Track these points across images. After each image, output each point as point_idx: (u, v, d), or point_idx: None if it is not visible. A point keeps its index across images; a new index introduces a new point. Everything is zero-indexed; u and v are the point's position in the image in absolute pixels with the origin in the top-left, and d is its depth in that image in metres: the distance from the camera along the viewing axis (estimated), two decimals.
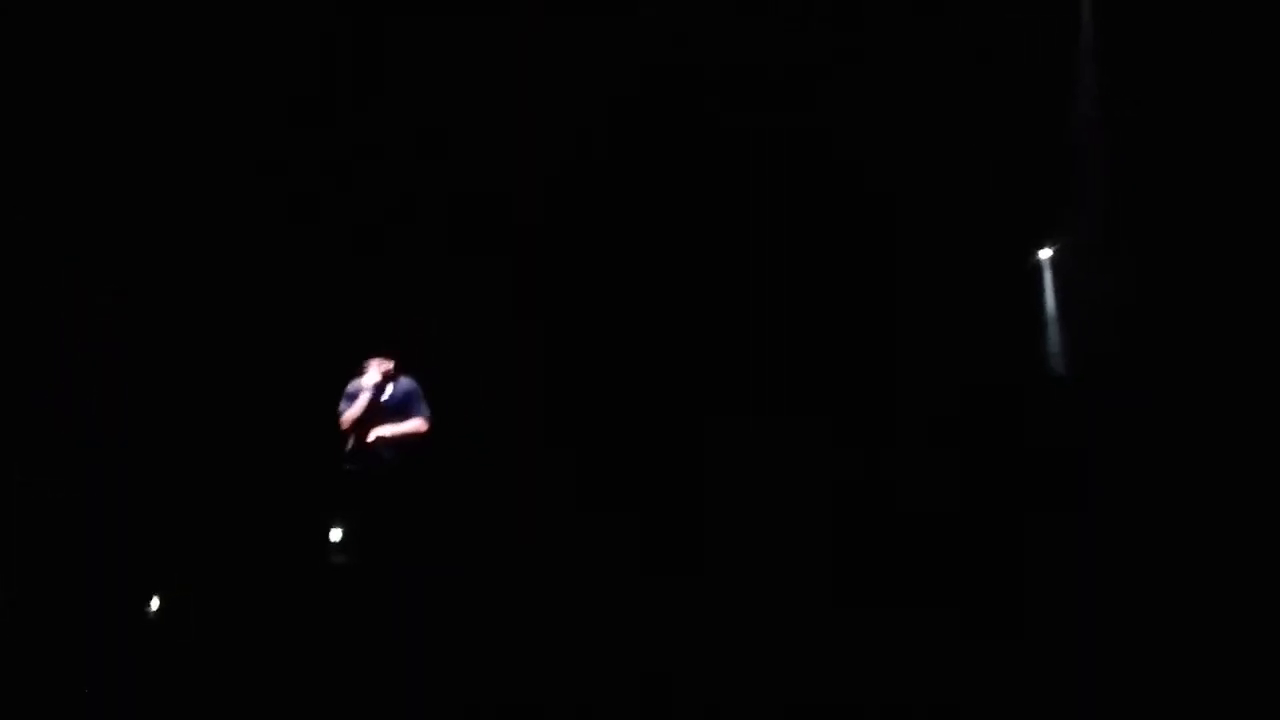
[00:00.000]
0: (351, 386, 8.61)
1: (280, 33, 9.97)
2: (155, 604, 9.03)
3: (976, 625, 7.69)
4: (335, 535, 9.21)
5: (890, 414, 10.15)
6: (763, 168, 10.47)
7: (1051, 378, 10.28)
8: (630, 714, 6.83)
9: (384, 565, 8.39)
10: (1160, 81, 10.02)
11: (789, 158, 10.45)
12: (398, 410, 8.63)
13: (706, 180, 10.51)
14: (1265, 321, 9.33)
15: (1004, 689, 6.76)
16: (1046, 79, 10.38)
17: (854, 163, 10.43)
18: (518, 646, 7.80)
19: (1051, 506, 8.93)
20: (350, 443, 8.57)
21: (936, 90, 10.40)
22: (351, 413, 8.50)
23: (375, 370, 8.61)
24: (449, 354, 9.75)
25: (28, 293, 9.72)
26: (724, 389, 10.12)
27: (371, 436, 8.53)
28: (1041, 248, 10.59)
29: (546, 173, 10.40)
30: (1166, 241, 9.84)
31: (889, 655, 7.39)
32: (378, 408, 8.55)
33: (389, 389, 8.63)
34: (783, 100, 10.45)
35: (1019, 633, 7.53)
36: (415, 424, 8.62)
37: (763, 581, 8.62)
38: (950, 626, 7.64)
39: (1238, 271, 9.58)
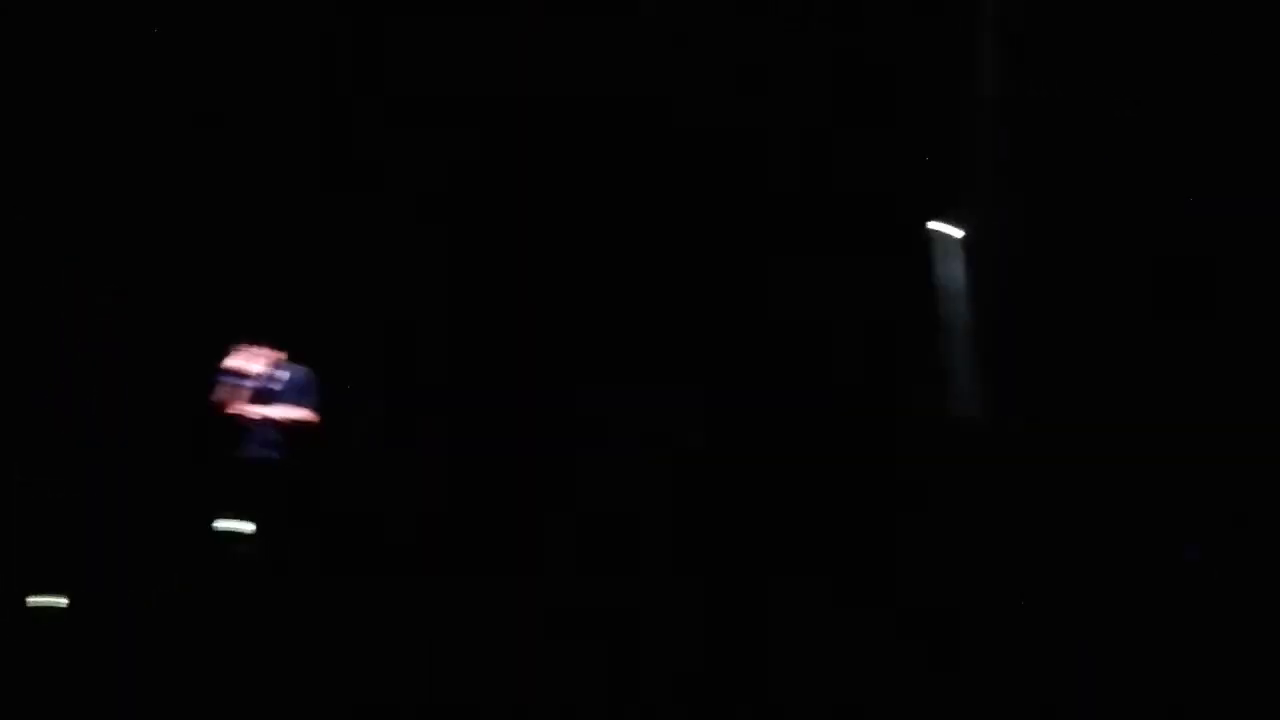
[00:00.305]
0: (228, 371, 8.49)
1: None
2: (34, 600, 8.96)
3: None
4: (233, 525, 9.05)
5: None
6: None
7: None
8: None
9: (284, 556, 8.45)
10: (1060, 59, 10.19)
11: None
12: (288, 399, 8.60)
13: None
14: (1161, 294, 9.58)
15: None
16: (945, 55, 10.48)
17: (742, 137, 10.47)
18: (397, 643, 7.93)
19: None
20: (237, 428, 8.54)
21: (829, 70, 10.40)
22: (233, 397, 8.45)
23: (258, 358, 8.55)
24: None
25: None
26: (607, 368, 10.15)
27: (258, 414, 8.44)
28: (939, 221, 10.71)
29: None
30: (1062, 215, 10.04)
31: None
32: (267, 394, 8.52)
33: (280, 375, 8.57)
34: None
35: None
36: (303, 410, 8.56)
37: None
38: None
39: (1137, 247, 9.78)
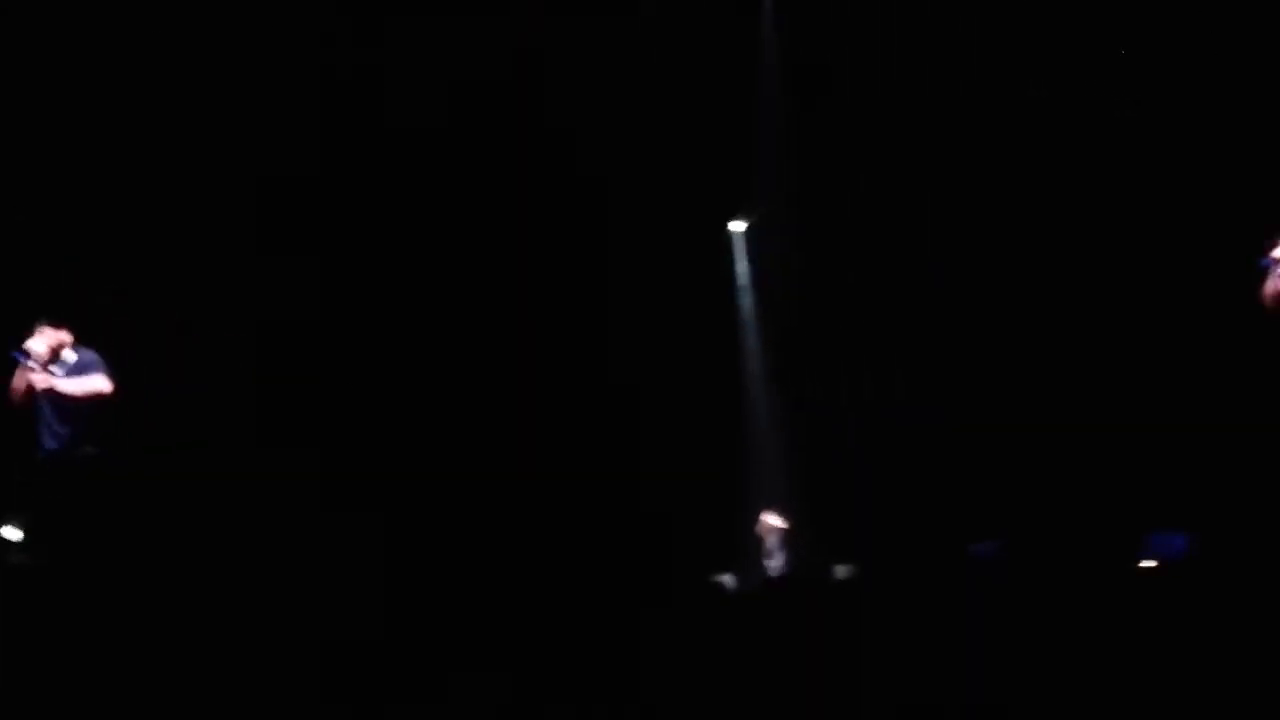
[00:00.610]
0: (17, 354, 7.92)
1: None
2: None
3: None
4: (10, 533, 8.48)
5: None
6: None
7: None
8: None
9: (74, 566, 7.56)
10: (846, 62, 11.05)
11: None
12: (81, 382, 7.99)
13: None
14: (947, 294, 10.60)
15: None
16: (733, 60, 11.19)
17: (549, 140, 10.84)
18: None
19: None
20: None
21: (627, 73, 10.91)
22: (16, 386, 7.88)
23: (45, 339, 7.95)
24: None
25: None
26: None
27: (43, 385, 7.85)
28: (734, 221, 11.57)
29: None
30: (848, 216, 11.00)
31: None
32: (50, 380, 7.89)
33: (66, 357, 8.02)
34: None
35: None
36: (98, 381, 8.01)
37: None
38: None
39: (922, 246, 10.80)
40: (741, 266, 11.43)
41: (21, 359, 7.84)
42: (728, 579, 9.45)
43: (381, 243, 10.48)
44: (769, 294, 11.39)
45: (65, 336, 7.99)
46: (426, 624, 6.28)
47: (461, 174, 10.71)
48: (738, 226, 11.63)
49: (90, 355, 8.06)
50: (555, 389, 10.50)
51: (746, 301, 11.34)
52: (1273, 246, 7.46)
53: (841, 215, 11.10)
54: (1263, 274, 7.46)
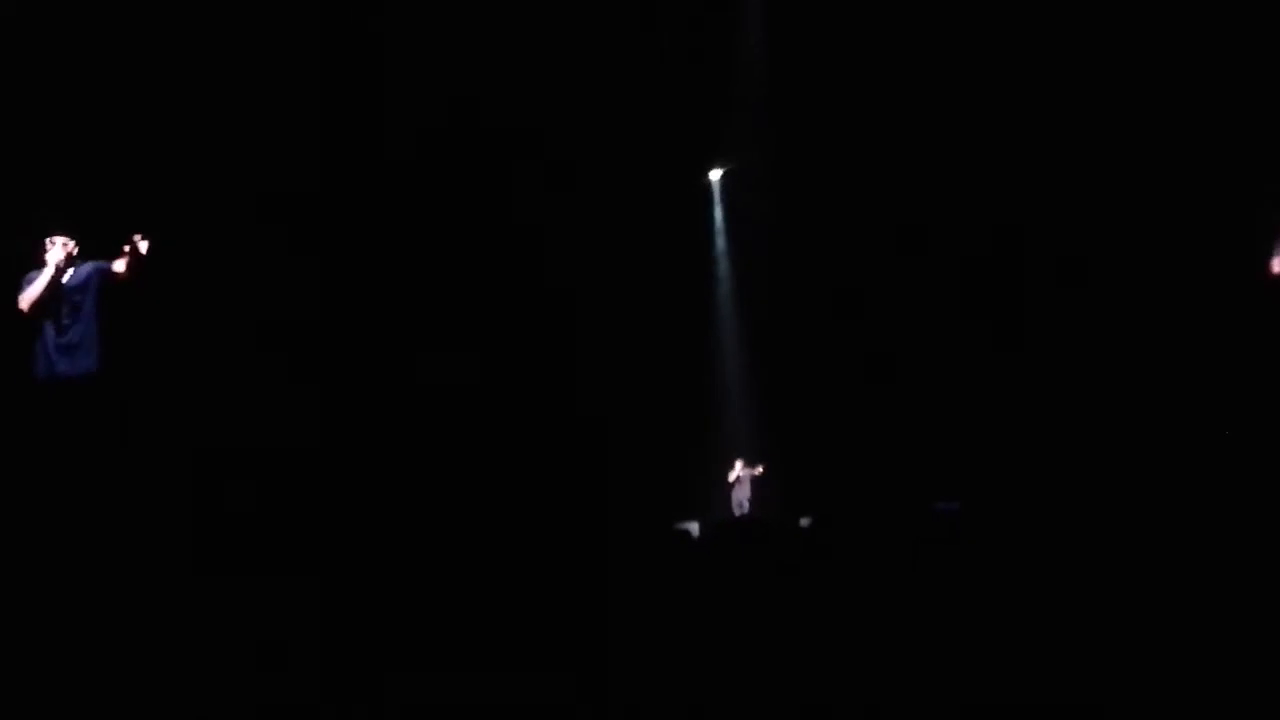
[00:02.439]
0: (31, 275, 7.72)
1: None
2: None
3: None
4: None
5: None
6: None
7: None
8: None
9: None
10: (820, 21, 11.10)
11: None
12: (88, 295, 7.87)
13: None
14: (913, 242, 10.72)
15: None
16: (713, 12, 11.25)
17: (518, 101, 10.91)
18: None
19: None
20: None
21: (606, 30, 10.92)
22: (30, 293, 7.71)
23: (60, 249, 7.84)
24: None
25: None
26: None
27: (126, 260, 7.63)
28: (711, 170, 11.67)
29: None
30: (822, 167, 11.10)
31: None
32: (58, 292, 7.79)
33: (70, 272, 7.85)
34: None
35: None
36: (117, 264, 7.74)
37: None
38: None
39: (888, 199, 10.91)
40: (718, 213, 11.49)
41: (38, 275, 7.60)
42: (693, 526, 9.63)
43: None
44: (743, 241, 11.48)
45: (72, 246, 7.76)
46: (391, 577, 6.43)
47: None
48: (715, 175, 11.70)
49: (89, 268, 7.78)
50: (528, 337, 10.61)
51: (721, 247, 11.43)
52: None
53: (816, 166, 11.19)
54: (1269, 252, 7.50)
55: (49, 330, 7.93)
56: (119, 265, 7.80)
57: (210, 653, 5.95)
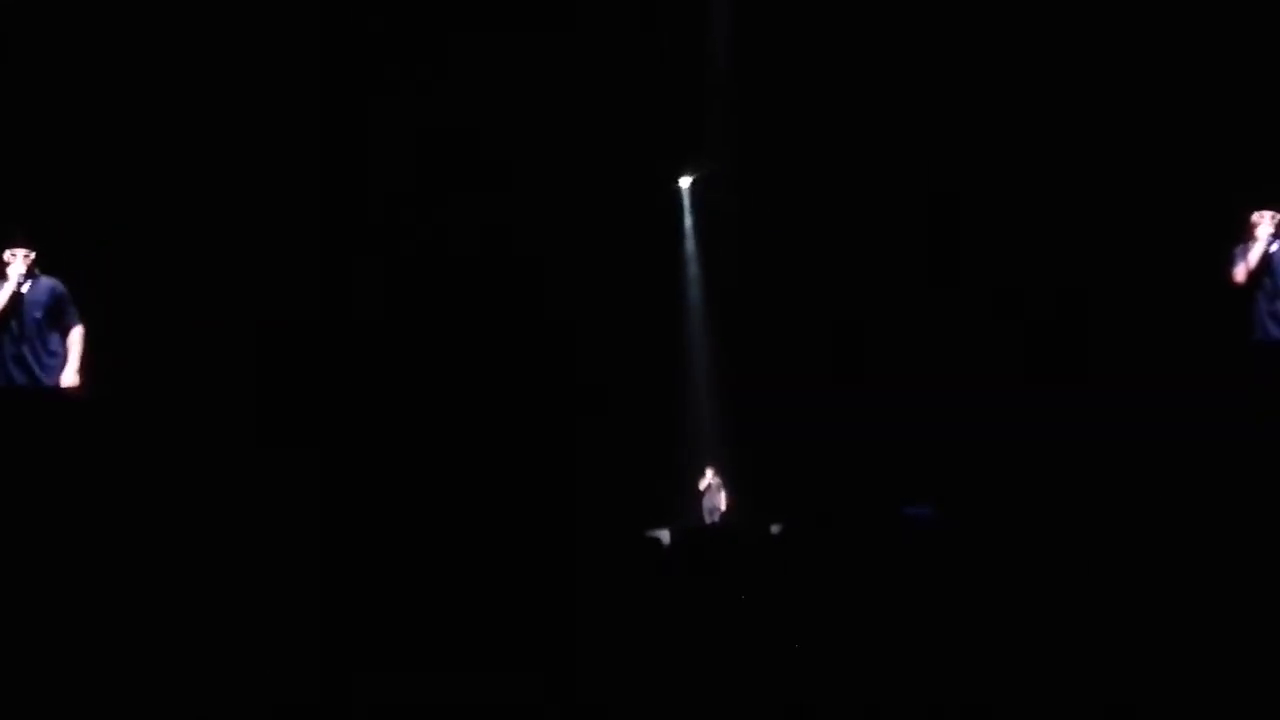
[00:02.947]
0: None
1: None
2: None
3: None
4: None
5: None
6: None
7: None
8: None
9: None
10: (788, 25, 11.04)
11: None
12: (46, 311, 7.79)
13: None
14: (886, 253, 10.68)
15: None
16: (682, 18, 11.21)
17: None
18: None
19: None
20: None
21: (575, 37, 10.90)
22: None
23: (20, 261, 7.71)
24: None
25: None
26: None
27: (67, 382, 7.62)
28: (681, 176, 11.61)
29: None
30: (792, 171, 11.04)
31: None
32: (18, 304, 7.70)
33: (28, 285, 7.72)
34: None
35: None
36: (77, 338, 7.80)
37: None
38: None
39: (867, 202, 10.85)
40: (688, 220, 11.43)
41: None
42: (663, 534, 9.54)
43: None
44: (713, 247, 11.42)
45: (31, 257, 7.67)
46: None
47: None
48: (685, 182, 11.64)
49: (57, 286, 7.75)
50: (496, 342, 10.53)
51: (691, 253, 11.37)
52: (1253, 227, 7.45)
53: (786, 171, 11.15)
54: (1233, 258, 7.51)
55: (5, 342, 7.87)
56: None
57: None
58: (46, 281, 7.79)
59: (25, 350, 7.78)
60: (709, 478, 10.65)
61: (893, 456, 9.51)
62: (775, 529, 8.26)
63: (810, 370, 10.78)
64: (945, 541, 6.93)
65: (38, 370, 7.80)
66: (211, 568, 6.70)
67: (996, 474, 8.58)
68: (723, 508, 10.48)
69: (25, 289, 7.65)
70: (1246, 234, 7.70)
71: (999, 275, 9.98)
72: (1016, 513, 6.87)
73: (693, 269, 11.21)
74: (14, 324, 7.67)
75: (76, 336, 7.77)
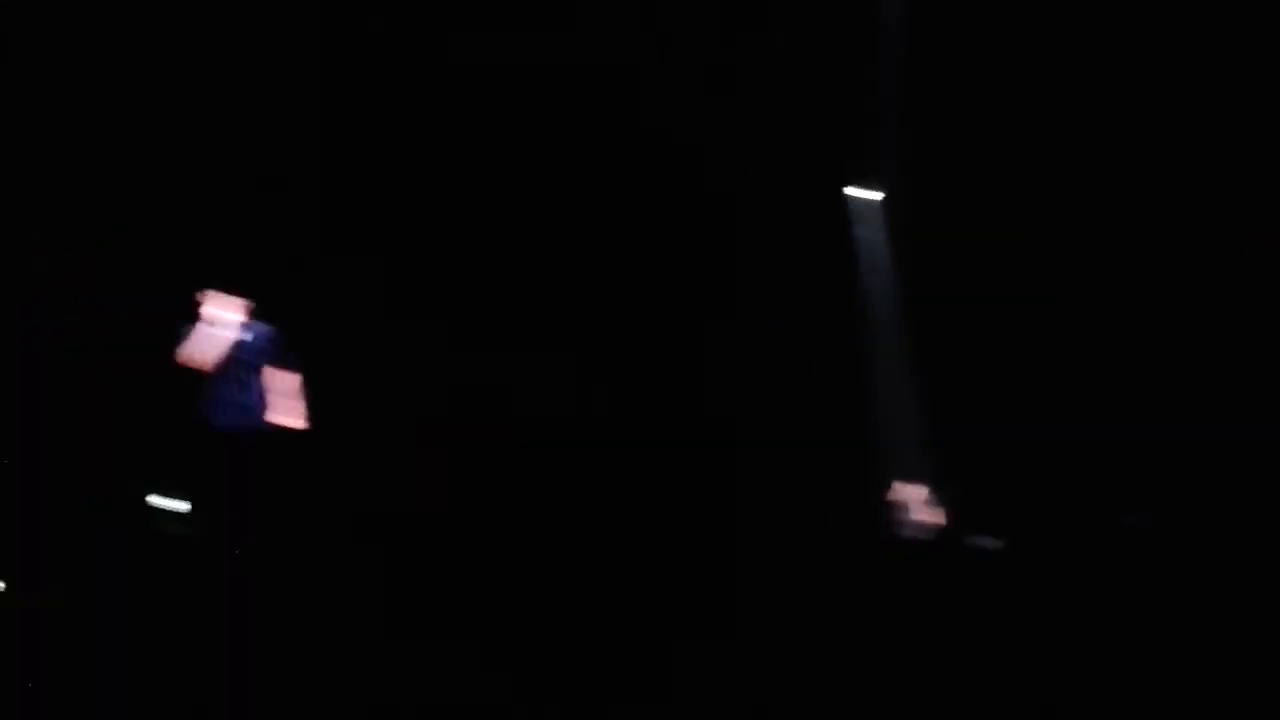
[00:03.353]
0: (197, 326, 8.08)
1: None
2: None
3: None
4: (172, 504, 8.61)
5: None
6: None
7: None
8: None
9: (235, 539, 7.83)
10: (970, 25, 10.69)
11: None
12: (261, 355, 8.23)
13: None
14: (1068, 263, 10.28)
15: None
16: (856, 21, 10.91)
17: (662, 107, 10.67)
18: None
19: None
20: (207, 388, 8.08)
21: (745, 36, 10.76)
22: (205, 353, 8.00)
23: (230, 308, 8.14)
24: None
25: None
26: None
27: (285, 419, 8.07)
28: (852, 188, 11.24)
29: None
30: (971, 184, 10.66)
31: None
32: (238, 351, 8.13)
33: (247, 333, 8.20)
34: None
35: None
36: (287, 380, 8.21)
37: None
38: None
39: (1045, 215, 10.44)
40: (863, 234, 11.06)
41: (205, 332, 8.03)
42: None
43: None
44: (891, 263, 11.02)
45: (248, 304, 8.22)
46: None
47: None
48: (859, 193, 11.28)
49: (270, 331, 8.34)
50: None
51: (868, 270, 10.98)
52: None
53: (971, 182, 10.75)
54: None
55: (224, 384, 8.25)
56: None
57: None
58: (261, 327, 8.33)
59: (241, 393, 8.19)
60: (900, 490, 10.20)
61: (1102, 462, 9.09)
62: (982, 541, 7.90)
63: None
64: (1168, 551, 6.69)
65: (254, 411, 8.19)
66: None
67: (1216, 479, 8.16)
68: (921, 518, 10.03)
69: (245, 338, 8.15)
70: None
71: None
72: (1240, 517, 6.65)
73: (871, 285, 10.79)
74: (232, 370, 8.14)
75: (287, 379, 8.25)
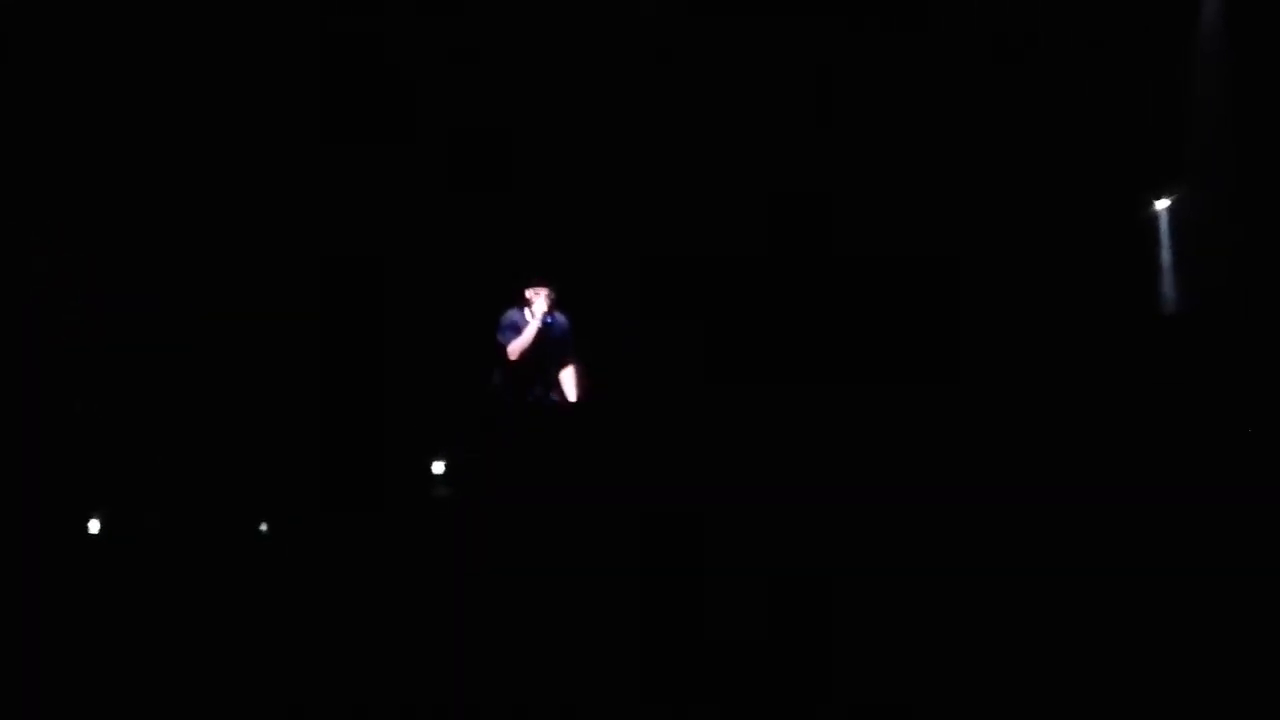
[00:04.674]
0: (510, 316, 8.63)
1: None
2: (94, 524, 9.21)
3: None
4: (438, 467, 9.40)
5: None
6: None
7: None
8: None
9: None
10: None
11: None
12: (559, 344, 8.70)
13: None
14: None
15: None
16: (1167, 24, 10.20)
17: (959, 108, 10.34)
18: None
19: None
20: (508, 376, 8.58)
21: (1048, 33, 10.25)
22: (521, 343, 8.48)
23: (544, 300, 8.56)
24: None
25: None
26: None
27: (570, 392, 8.56)
28: (1160, 197, 10.46)
29: None
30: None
31: None
32: (543, 339, 8.55)
33: (549, 321, 8.63)
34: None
35: None
36: (572, 374, 8.68)
37: None
38: None
39: None
40: (1165, 248, 10.25)
41: (514, 329, 8.54)
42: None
43: None
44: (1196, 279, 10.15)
45: (553, 296, 8.63)
46: None
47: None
48: (1163, 204, 10.46)
49: (566, 321, 8.77)
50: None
51: (1169, 287, 10.16)
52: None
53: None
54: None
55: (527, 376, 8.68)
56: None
57: None
58: (561, 318, 8.69)
59: (540, 383, 8.67)
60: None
61: None
62: None
63: None
64: None
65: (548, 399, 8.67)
66: None
67: None
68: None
69: (548, 325, 8.56)
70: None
71: None
72: None
73: (1171, 303, 9.97)
74: (534, 360, 8.60)
75: (571, 372, 8.69)
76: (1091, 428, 9.30)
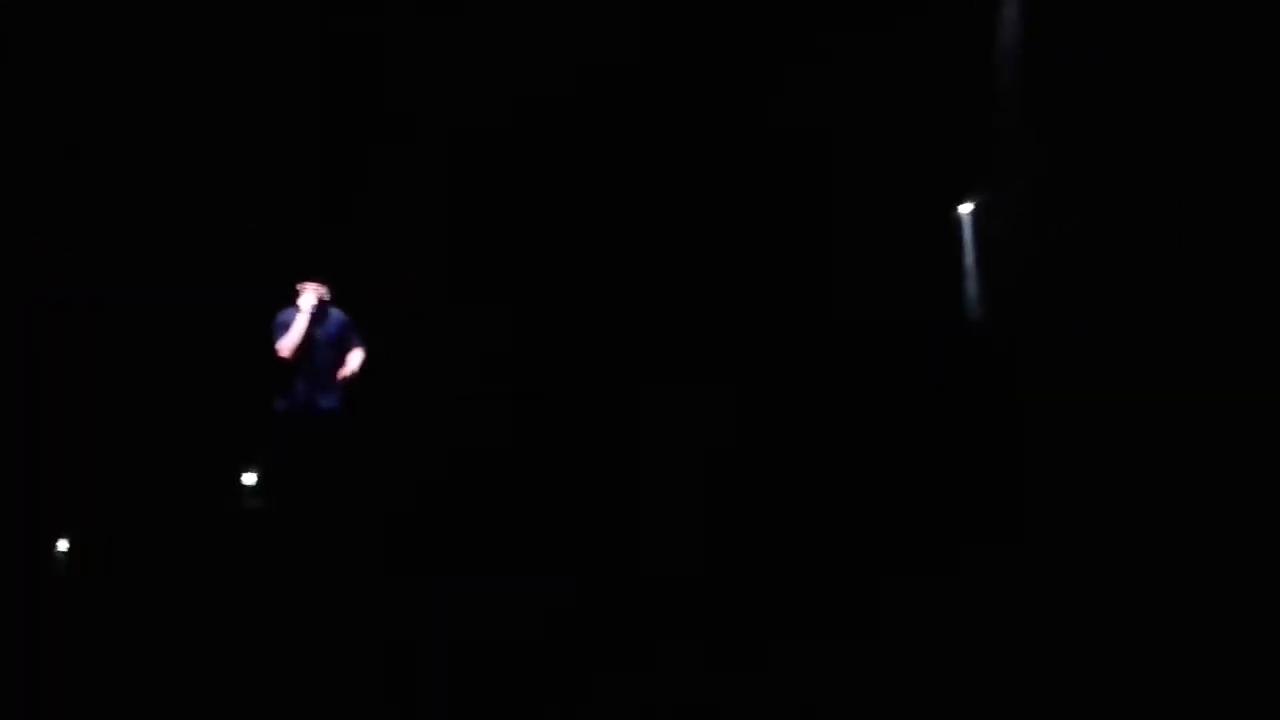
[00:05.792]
0: (281, 316, 8.28)
1: None
2: (63, 545, 9.12)
3: None
4: (249, 479, 9.20)
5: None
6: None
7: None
8: None
9: (304, 511, 8.19)
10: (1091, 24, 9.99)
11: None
12: (334, 342, 8.37)
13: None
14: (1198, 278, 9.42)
15: None
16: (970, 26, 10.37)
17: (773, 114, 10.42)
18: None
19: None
20: (289, 376, 8.30)
21: (857, 42, 10.37)
22: (291, 339, 8.14)
23: (312, 294, 8.24)
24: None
25: None
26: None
27: (346, 374, 8.30)
28: (962, 202, 10.67)
29: None
30: (1095, 197, 9.92)
31: None
32: (313, 337, 8.24)
33: (320, 320, 8.31)
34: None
35: None
36: (360, 356, 8.39)
37: None
38: None
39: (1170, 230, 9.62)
40: (968, 250, 10.47)
41: (285, 328, 8.21)
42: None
43: None
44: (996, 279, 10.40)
45: (325, 292, 8.29)
46: None
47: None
48: (965, 208, 10.68)
49: (343, 317, 8.45)
50: None
51: (972, 286, 10.40)
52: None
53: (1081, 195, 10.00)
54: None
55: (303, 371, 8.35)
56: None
57: None
58: (335, 314, 8.33)
59: (314, 386, 8.33)
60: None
61: None
62: None
63: None
64: None
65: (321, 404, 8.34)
66: None
67: None
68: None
69: (318, 324, 8.23)
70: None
71: None
72: None
73: (973, 303, 10.20)
74: (306, 361, 8.27)
75: (357, 355, 8.42)
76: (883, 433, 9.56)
